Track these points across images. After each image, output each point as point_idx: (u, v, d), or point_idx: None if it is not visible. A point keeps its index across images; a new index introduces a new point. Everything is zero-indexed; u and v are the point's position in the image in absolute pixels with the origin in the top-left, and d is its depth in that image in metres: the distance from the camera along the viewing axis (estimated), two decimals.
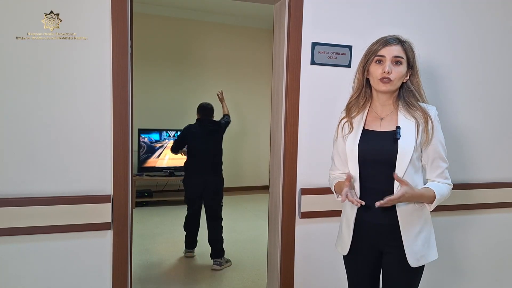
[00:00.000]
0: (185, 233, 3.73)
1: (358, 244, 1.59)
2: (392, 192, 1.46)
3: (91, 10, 1.78)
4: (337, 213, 2.16)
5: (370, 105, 1.62)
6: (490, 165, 2.48)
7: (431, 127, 1.51)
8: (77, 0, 1.76)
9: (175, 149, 3.75)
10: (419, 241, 1.51)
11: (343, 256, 1.67)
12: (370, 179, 1.53)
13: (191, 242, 3.74)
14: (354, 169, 1.56)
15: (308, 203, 2.12)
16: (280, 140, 2.17)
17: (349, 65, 2.14)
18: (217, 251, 3.49)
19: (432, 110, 1.54)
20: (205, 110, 3.63)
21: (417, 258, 1.50)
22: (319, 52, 2.10)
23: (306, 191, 2.12)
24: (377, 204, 1.42)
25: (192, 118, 5.58)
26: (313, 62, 2.10)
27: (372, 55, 1.53)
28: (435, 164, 1.55)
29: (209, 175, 3.53)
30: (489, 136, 2.46)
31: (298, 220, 2.14)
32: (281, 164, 2.15)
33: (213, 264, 3.46)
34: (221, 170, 3.62)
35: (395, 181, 1.47)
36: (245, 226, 4.80)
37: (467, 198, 2.41)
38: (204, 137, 3.54)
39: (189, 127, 3.65)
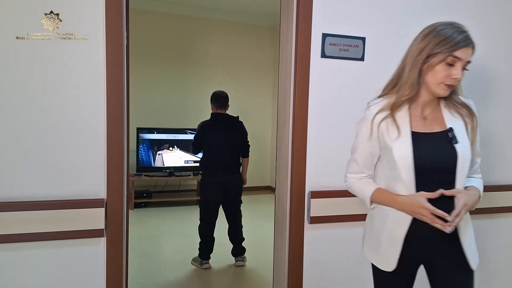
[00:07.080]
0: (199, 240, 3.43)
1: (401, 259, 1.41)
2: (452, 202, 1.30)
3: (91, 10, 1.71)
4: (349, 218, 2.02)
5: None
6: None
7: (476, 125, 1.39)
8: (77, 0, 1.69)
9: (195, 150, 3.51)
10: (472, 242, 1.44)
11: (376, 267, 1.49)
12: (427, 189, 1.33)
13: (208, 251, 3.43)
14: (409, 179, 1.35)
15: (318, 207, 1.97)
16: (288, 139, 2.02)
17: (362, 58, 1.99)
18: (241, 248, 3.55)
19: (473, 106, 1.43)
20: (219, 98, 3.41)
21: (475, 260, 1.42)
22: (330, 44, 1.95)
23: (315, 194, 1.97)
24: (448, 230, 1.27)
25: (192, 117, 5.41)
26: (323, 55, 1.95)
27: (446, 52, 1.26)
28: (473, 160, 1.44)
29: (230, 173, 3.39)
30: None
31: (307, 225, 2.00)
32: (288, 165, 2.00)
33: (237, 260, 3.50)
34: (239, 167, 3.50)
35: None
36: (247, 227, 4.65)
37: (490, 201, 2.27)
38: (221, 133, 3.36)
39: (204, 124, 3.42)
